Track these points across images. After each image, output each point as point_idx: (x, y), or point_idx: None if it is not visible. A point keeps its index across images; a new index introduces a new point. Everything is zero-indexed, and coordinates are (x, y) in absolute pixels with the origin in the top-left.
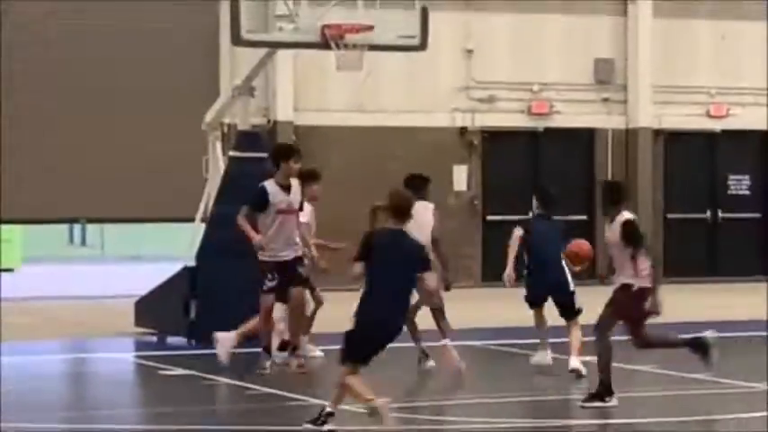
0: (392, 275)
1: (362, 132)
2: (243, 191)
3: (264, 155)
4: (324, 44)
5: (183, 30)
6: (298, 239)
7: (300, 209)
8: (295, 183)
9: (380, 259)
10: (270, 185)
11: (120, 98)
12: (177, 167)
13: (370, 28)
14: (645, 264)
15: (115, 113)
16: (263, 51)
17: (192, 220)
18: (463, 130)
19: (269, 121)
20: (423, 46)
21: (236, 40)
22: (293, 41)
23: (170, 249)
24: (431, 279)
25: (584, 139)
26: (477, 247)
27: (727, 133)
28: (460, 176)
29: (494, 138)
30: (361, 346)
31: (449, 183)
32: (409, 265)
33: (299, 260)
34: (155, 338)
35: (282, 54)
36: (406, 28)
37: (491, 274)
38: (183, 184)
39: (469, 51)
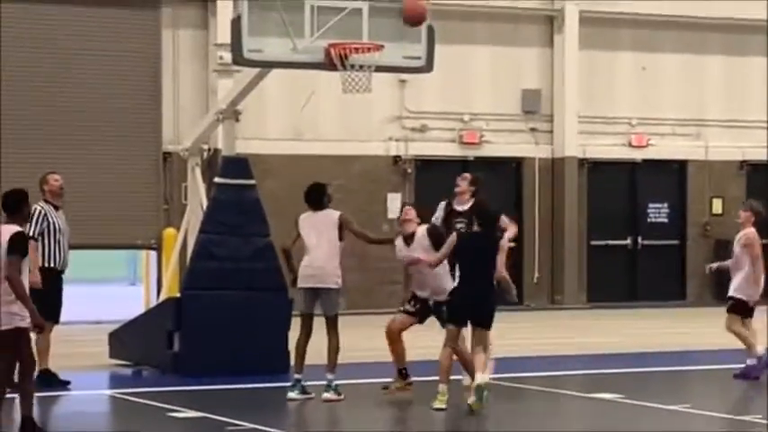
0: None
1: (300, 160)
2: (230, 218)
3: (252, 181)
4: (329, 64)
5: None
6: None
7: None
8: None
9: None
10: None
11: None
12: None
13: (380, 48)
14: None
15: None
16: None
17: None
18: (397, 159)
19: (209, 150)
20: (429, 67)
21: (239, 59)
22: (296, 61)
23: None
24: None
25: (513, 167)
26: None
27: (647, 163)
28: (394, 204)
29: (426, 166)
30: None
31: (383, 210)
32: None
33: None
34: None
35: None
36: (411, 49)
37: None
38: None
39: (402, 82)
